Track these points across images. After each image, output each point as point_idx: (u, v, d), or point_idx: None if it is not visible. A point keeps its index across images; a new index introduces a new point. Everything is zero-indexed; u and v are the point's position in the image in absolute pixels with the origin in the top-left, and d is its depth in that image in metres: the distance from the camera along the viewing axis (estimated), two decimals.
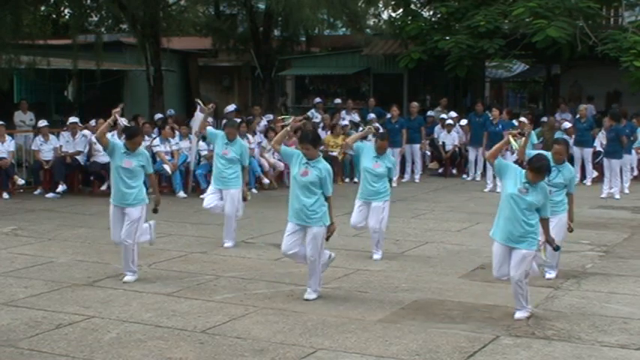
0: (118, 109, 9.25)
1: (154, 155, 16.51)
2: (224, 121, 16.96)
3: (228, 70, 31.16)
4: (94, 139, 15.85)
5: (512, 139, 8.06)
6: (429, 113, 20.78)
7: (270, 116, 20.06)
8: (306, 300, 8.11)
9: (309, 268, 8.18)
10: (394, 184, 17.55)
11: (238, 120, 17.74)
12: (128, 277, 8.89)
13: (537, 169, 7.36)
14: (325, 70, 26.59)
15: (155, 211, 9.07)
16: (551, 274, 9.03)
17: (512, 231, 7.40)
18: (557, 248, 7.84)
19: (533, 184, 7.38)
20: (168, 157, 16.23)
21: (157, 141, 16.39)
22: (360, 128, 19.25)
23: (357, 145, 10.35)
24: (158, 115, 19.21)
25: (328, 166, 8.20)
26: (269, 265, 9.75)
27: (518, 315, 7.50)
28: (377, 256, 10.11)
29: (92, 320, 7.42)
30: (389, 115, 18.68)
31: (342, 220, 10.60)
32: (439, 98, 22.90)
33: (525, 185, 7.38)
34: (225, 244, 10.85)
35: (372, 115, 19.27)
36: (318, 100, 22.22)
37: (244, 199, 11.04)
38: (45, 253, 10.37)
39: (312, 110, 21.31)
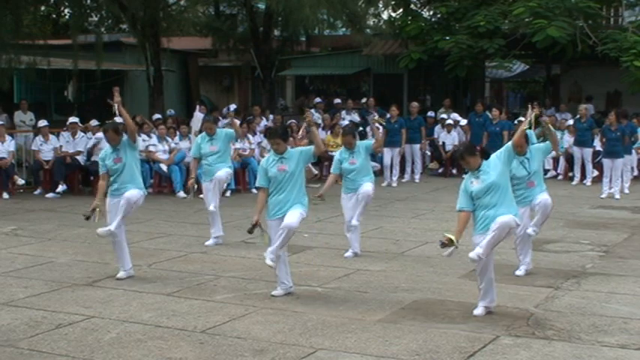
0: (118, 99, 9.26)
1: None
2: (224, 121, 17.00)
3: (228, 70, 31.18)
4: (99, 135, 15.87)
5: (533, 116, 8.22)
6: (430, 114, 20.74)
7: (271, 116, 20.07)
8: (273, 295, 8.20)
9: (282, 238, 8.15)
10: (394, 184, 17.71)
11: (241, 120, 17.82)
12: (120, 274, 8.97)
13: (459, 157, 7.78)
14: (325, 70, 26.60)
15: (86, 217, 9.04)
16: (520, 271, 9.18)
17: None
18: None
19: (476, 170, 7.59)
20: (165, 156, 16.23)
21: (154, 140, 16.40)
22: (358, 129, 19.35)
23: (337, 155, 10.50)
24: (156, 116, 19.22)
25: (298, 148, 8.41)
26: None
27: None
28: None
29: (92, 320, 7.41)
30: (388, 115, 18.67)
31: (340, 220, 10.60)
32: (439, 98, 22.91)
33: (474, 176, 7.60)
34: (206, 242, 10.92)
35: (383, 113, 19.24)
36: (318, 100, 22.22)
37: (193, 192, 11.19)
38: (45, 253, 10.37)
39: (312, 110, 21.30)
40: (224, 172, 11.03)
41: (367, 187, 10.18)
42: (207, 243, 10.94)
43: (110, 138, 9.09)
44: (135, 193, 8.92)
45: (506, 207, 7.48)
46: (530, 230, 9.12)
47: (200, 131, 12.09)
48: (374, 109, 20.37)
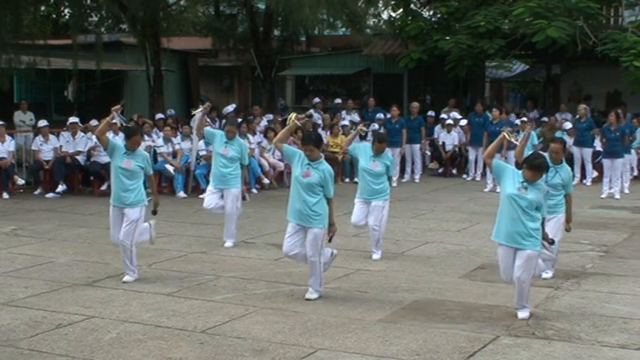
0: (118, 107, 9.24)
1: (155, 155, 16.57)
2: (224, 121, 16.99)
3: (228, 70, 31.16)
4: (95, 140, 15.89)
5: (506, 135, 8.07)
6: (430, 114, 20.74)
7: (270, 116, 20.07)
8: (308, 299, 8.11)
9: (310, 268, 8.18)
10: (394, 184, 17.68)
11: (239, 119, 17.80)
12: (127, 277, 8.90)
13: (535, 167, 7.34)
14: (325, 70, 26.58)
15: (154, 212, 9.07)
16: (548, 274, 9.02)
17: (515, 232, 7.35)
18: (552, 242, 7.85)
19: (531, 182, 7.37)
20: (169, 157, 16.26)
21: (160, 141, 16.43)
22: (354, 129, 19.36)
23: (353, 147, 10.42)
24: (159, 115, 19.22)
25: (330, 168, 8.21)
26: (269, 265, 9.75)
27: (522, 314, 7.49)
28: (376, 255, 10.12)
29: (92, 320, 7.42)
30: (389, 115, 18.69)
31: (342, 219, 10.59)
32: (439, 98, 22.89)
33: (524, 184, 7.37)
34: (226, 244, 10.85)
35: (380, 116, 19.20)
36: (317, 100, 22.22)
37: (243, 197, 11.05)
38: (45, 253, 10.37)
39: (312, 110, 21.31)
40: (238, 191, 10.91)
41: (375, 216, 10.06)
42: (227, 245, 10.86)
43: (135, 142, 8.95)
44: (137, 210, 8.86)
45: (536, 236, 7.41)
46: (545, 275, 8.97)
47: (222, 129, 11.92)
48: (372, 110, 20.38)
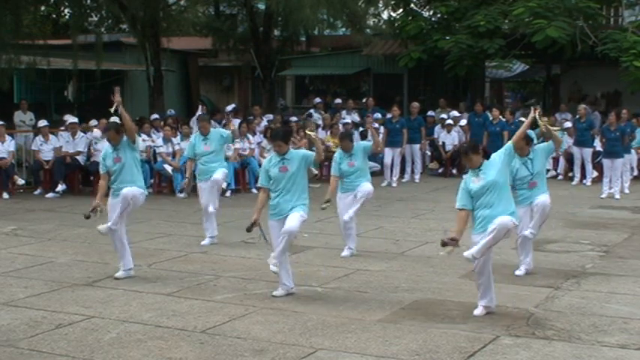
0: (118, 99, 9.25)
1: (155, 155, 16.58)
2: (223, 121, 17.00)
3: (228, 70, 31.17)
4: (97, 135, 15.87)
5: (537, 116, 8.18)
6: (430, 113, 20.72)
7: (270, 116, 20.07)
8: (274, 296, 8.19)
9: (281, 243, 8.14)
10: (394, 184, 17.71)
11: (239, 119, 17.80)
12: (120, 273, 9.00)
13: (464, 155, 7.77)
14: (325, 70, 26.58)
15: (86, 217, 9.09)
16: (520, 271, 9.17)
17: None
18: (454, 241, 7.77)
19: (476, 168, 7.63)
20: (169, 157, 16.26)
21: (159, 141, 16.43)
22: (358, 129, 19.37)
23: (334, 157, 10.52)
24: (154, 116, 19.23)
25: (300, 151, 8.46)
26: (269, 265, 9.72)
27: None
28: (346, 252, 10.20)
29: (92, 320, 7.42)
30: (389, 115, 18.68)
31: (336, 221, 10.59)
32: (439, 98, 22.88)
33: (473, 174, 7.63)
34: (203, 242, 10.93)
35: (377, 115, 19.23)
36: (318, 100, 22.22)
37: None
38: (45, 253, 10.37)
39: (312, 110, 21.32)
40: (221, 173, 11.05)
41: (367, 186, 10.21)
42: (203, 242, 10.96)
43: (111, 137, 9.13)
44: (132, 189, 8.93)
45: (504, 207, 7.49)
46: (527, 232, 9.13)
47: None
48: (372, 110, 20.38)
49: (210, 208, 10.92)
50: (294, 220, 8.07)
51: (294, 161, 8.22)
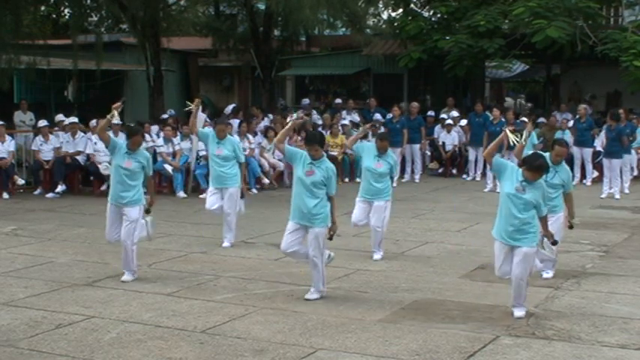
0: (118, 104, 9.22)
1: (155, 155, 16.56)
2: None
3: (228, 70, 31.17)
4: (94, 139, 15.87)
5: (509, 134, 8.07)
6: (430, 113, 20.72)
7: (271, 116, 20.08)
8: (307, 300, 8.11)
9: (312, 269, 8.17)
10: (394, 184, 17.66)
11: (239, 119, 17.79)
12: (126, 277, 8.92)
13: (535, 168, 7.38)
14: (325, 70, 26.60)
15: (147, 211, 9.09)
16: (548, 274, 9.03)
17: (512, 229, 7.41)
18: (555, 242, 7.85)
19: (531, 182, 7.39)
20: (169, 157, 16.25)
21: (160, 141, 16.43)
22: (359, 129, 19.35)
23: (357, 146, 10.38)
24: (164, 116, 19.25)
25: (333, 167, 8.22)
26: (269, 265, 9.75)
27: (519, 313, 7.51)
28: (377, 256, 10.11)
29: (92, 320, 7.41)
30: (390, 115, 18.69)
31: (342, 220, 10.58)
32: (439, 98, 22.88)
33: (522, 184, 7.39)
34: (224, 244, 10.85)
35: (377, 116, 19.25)
36: (306, 101, 22.26)
37: (242, 195, 11.06)
38: (45, 253, 10.37)
39: (299, 112, 21.34)
40: (236, 190, 10.92)
41: (378, 216, 10.05)
42: (224, 245, 10.87)
43: (135, 142, 8.94)
44: (135, 209, 8.89)
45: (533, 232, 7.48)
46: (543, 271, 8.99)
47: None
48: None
49: (236, 212, 10.87)
50: (317, 243, 8.07)
51: (322, 172, 8.05)
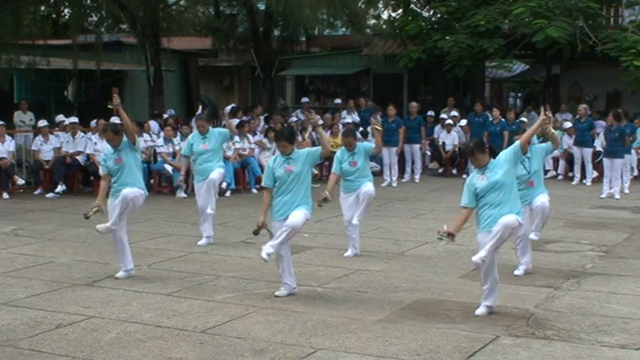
0: (116, 99, 9.24)
1: (155, 155, 16.58)
2: (223, 123, 16.98)
3: (228, 70, 31.16)
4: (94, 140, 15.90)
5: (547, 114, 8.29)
6: (430, 113, 20.71)
7: (262, 118, 20.07)
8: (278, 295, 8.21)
9: (285, 234, 8.12)
10: (394, 184, 17.71)
11: (238, 119, 17.78)
12: (120, 274, 9.01)
13: (469, 154, 7.73)
14: (325, 70, 26.59)
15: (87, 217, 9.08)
16: (519, 271, 9.17)
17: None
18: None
19: (482, 167, 7.62)
20: (169, 157, 16.27)
21: (160, 141, 16.44)
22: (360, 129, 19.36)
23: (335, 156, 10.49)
24: (165, 115, 19.24)
25: (305, 149, 8.39)
26: (269, 265, 9.72)
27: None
28: (349, 253, 10.19)
29: (92, 320, 7.42)
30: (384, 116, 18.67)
31: (340, 220, 10.60)
32: (439, 98, 22.87)
33: (479, 174, 7.62)
34: (200, 242, 10.91)
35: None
36: (305, 99, 22.26)
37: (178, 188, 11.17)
38: (45, 253, 10.37)
39: (297, 111, 21.34)
40: (217, 173, 11.02)
41: (368, 186, 10.22)
42: (200, 243, 10.94)
43: (109, 138, 9.15)
44: (132, 190, 8.92)
45: (510, 206, 7.50)
46: (532, 235, 9.16)
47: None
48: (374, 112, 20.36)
49: (209, 210, 10.90)
50: (297, 216, 8.05)
51: (299, 161, 8.20)
